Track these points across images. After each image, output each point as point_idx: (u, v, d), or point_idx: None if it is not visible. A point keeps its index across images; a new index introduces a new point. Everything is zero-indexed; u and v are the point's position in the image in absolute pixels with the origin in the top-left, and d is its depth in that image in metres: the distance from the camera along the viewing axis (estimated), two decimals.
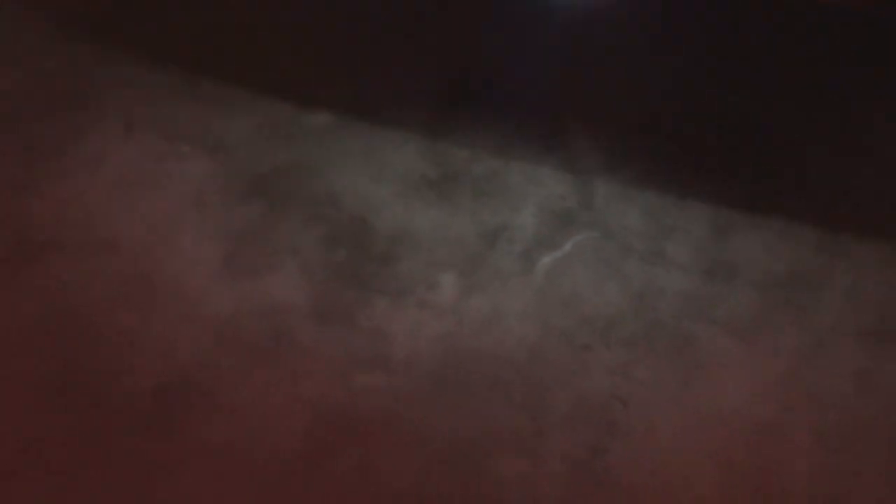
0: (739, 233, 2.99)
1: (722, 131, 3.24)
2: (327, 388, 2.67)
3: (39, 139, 3.29)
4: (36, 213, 3.08)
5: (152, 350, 2.74)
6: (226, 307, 2.83)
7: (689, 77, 3.41)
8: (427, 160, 3.16)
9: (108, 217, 3.06)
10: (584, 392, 2.66)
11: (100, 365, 2.71)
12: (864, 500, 2.50)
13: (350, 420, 2.61)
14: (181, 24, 3.65)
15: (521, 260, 2.91)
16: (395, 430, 2.60)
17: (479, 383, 2.68)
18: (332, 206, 3.05)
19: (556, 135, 3.22)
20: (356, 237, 2.97)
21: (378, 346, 2.75)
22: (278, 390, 2.66)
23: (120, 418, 2.61)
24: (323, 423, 2.61)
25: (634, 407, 2.64)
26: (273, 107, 3.33)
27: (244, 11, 3.71)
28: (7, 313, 2.84)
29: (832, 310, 2.82)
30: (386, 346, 2.75)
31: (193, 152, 3.22)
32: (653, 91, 3.38)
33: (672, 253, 2.93)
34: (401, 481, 2.51)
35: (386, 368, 2.71)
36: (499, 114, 3.30)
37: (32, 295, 2.87)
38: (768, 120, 3.28)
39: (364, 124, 3.26)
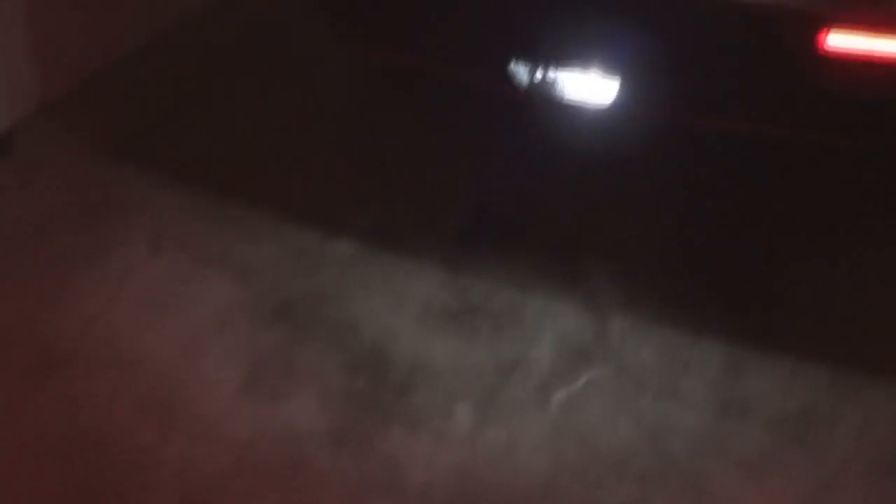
0: (752, 369, 3.02)
1: (734, 268, 3.32)
2: None
3: (68, 254, 3.37)
4: (61, 327, 3.14)
5: (171, 471, 2.77)
6: (245, 430, 2.87)
7: (699, 217, 3.49)
8: (447, 291, 3.22)
9: (132, 335, 3.12)
10: None
11: (119, 483, 2.74)
12: None
13: None
14: (210, 147, 3.75)
15: (537, 393, 2.95)
16: None
17: None
18: (352, 334, 3.10)
19: (574, 271, 3.29)
20: (375, 365, 3.02)
21: (393, 473, 2.77)
22: None
23: None
24: None
25: None
26: (298, 233, 3.41)
27: (271, 136, 3.81)
28: (29, 427, 2.88)
29: (843, 448, 2.82)
30: (401, 474, 2.77)
31: (218, 275, 3.28)
32: (666, 230, 3.46)
33: (686, 389, 2.96)
34: None
35: (400, 497, 2.72)
36: (519, 248, 3.37)
37: (54, 410, 2.92)
38: (779, 257, 3.34)
39: (387, 254, 3.33)
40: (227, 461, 2.79)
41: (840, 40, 2.77)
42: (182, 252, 3.36)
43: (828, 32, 2.76)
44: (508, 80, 3.17)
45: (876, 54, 2.78)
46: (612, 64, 3.04)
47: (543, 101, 3.20)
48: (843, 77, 2.84)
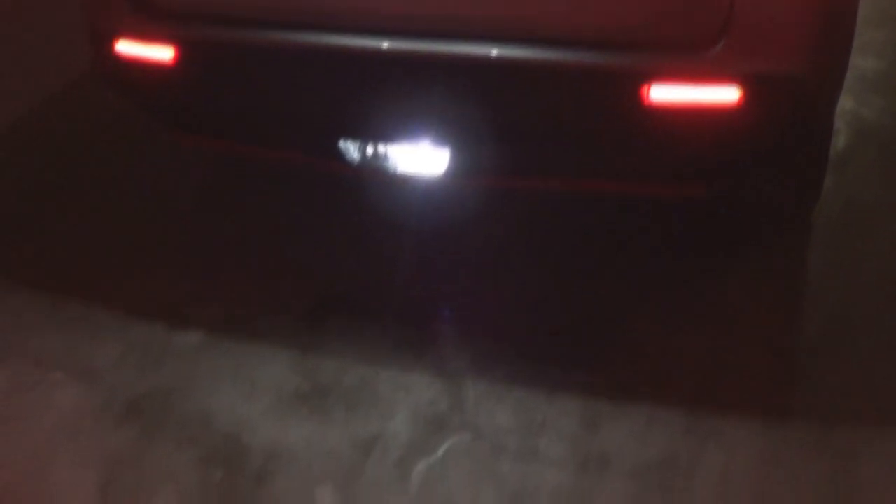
0: (609, 422, 3.03)
1: (584, 324, 3.34)
2: None
3: None
4: None
5: None
6: None
7: (547, 272, 3.51)
8: (298, 373, 3.19)
9: None
10: None
11: None
12: None
13: None
14: (49, 247, 3.67)
15: (397, 468, 2.92)
16: None
17: None
18: (205, 427, 3.05)
19: (424, 340, 3.29)
20: (231, 457, 2.97)
21: None
22: None
23: None
24: None
25: None
26: (143, 328, 3.36)
27: (112, 233, 3.75)
28: None
29: (707, 494, 2.83)
30: None
31: (65, 379, 3.22)
32: (515, 288, 3.47)
33: (545, 449, 2.96)
34: None
35: None
36: (367, 323, 3.36)
37: None
38: (629, 310, 3.38)
39: (234, 341, 3.30)
40: None
41: (663, 92, 2.83)
42: (25, 360, 3.29)
43: (650, 85, 2.82)
44: (339, 157, 3.18)
45: (696, 103, 2.85)
46: (441, 135, 3.07)
47: (376, 174, 3.21)
48: (670, 127, 2.90)
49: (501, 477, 2.90)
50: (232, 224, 3.79)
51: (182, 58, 3.14)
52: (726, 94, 2.81)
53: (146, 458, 2.98)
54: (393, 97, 3.04)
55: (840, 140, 4.14)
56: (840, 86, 3.11)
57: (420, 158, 3.11)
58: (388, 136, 3.11)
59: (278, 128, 3.25)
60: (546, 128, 3.02)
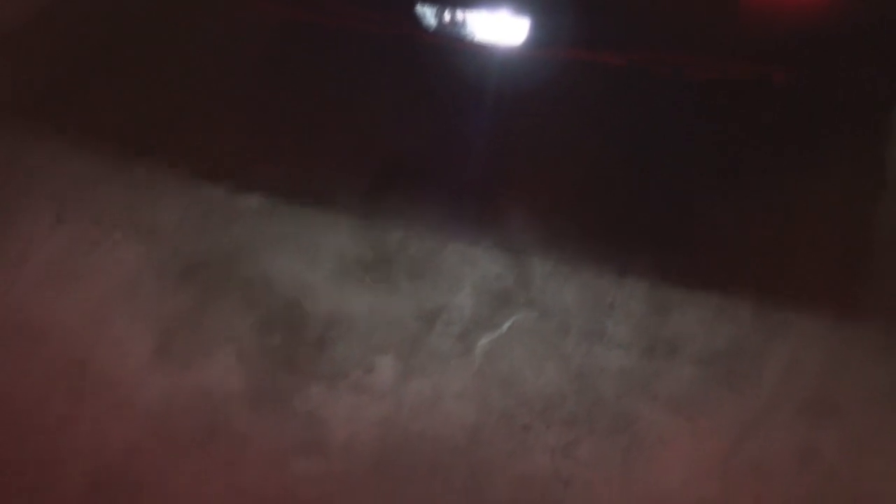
0: (678, 309, 2.97)
1: (656, 208, 3.25)
2: (264, 476, 2.61)
3: None
4: None
5: (83, 440, 2.68)
6: (158, 395, 2.78)
7: (619, 155, 3.42)
8: (362, 242, 3.13)
9: (39, 305, 3.01)
10: (525, 473, 2.63)
11: (29, 455, 2.65)
12: None
13: None
14: (115, 110, 3.61)
15: (460, 341, 2.88)
16: None
17: (418, 468, 2.64)
18: (266, 291, 3.01)
19: (491, 213, 3.21)
20: (291, 322, 2.93)
21: (315, 431, 2.71)
22: (213, 480, 2.60)
23: None
24: None
25: (577, 487, 2.60)
26: (206, 190, 3.30)
27: (177, 97, 3.69)
28: None
29: (772, 385, 2.80)
30: (323, 431, 2.71)
31: (125, 239, 3.18)
32: (585, 170, 3.38)
33: (611, 331, 2.91)
34: None
35: (324, 454, 2.66)
36: (433, 195, 3.28)
37: None
38: (701, 195, 3.29)
39: (297, 206, 3.24)
40: (141, 428, 2.71)
41: None
42: (88, 218, 3.25)
43: None
44: (414, 23, 3.09)
45: None
46: (521, 2, 2.97)
47: (452, 42, 3.12)
48: (756, 6, 2.80)
49: (566, 355, 2.85)
50: (297, 93, 3.71)
51: None
52: None
53: (205, 320, 2.95)
54: None
55: None
56: None
57: (498, 27, 3.02)
58: (467, 0, 3.02)
59: None
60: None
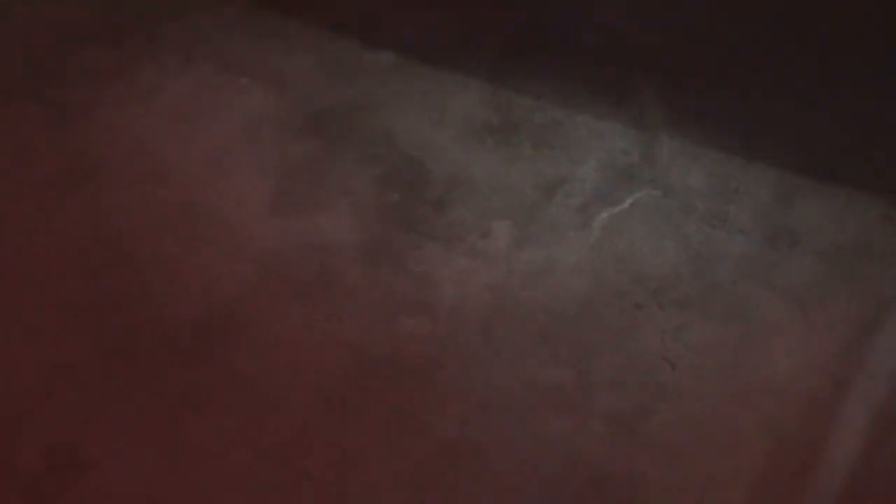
0: (804, 199, 2.89)
1: (792, 96, 3.15)
2: (369, 331, 2.61)
3: (99, 66, 3.25)
4: (88, 139, 3.04)
5: (195, 280, 2.70)
6: (272, 242, 2.78)
7: (762, 36, 3.31)
8: (489, 106, 3.08)
9: (161, 147, 3.02)
10: (633, 352, 2.59)
11: (141, 293, 2.67)
12: None
13: (391, 364, 2.55)
14: None
15: (579, 214, 2.84)
16: (436, 378, 2.53)
17: (525, 336, 2.61)
18: (389, 147, 2.99)
19: (623, 87, 3.14)
20: (411, 180, 2.91)
21: (425, 291, 2.69)
22: (319, 328, 2.61)
23: (157, 346, 2.57)
24: (362, 365, 2.55)
25: (684, 370, 2.56)
26: (336, 43, 3.28)
27: None
28: (51, 237, 2.80)
29: (892, 286, 2.71)
30: (433, 291, 2.69)
31: (251, 86, 3.17)
32: (724, 49, 3.29)
33: (734, 216, 2.84)
34: (438, 429, 2.45)
35: (431, 315, 2.65)
36: (565, 63, 3.22)
37: (77, 220, 2.84)
38: (840, 88, 3.18)
39: (428, 66, 3.20)
40: (252, 272, 2.72)
41: None
42: (215, 63, 3.24)
43: None
44: None
45: None
46: None
47: None
48: None
49: (686, 236, 2.79)
50: None
51: None
52: None
53: (325, 171, 2.94)
54: None
55: None
56: None
57: None
58: None
59: None
60: None
